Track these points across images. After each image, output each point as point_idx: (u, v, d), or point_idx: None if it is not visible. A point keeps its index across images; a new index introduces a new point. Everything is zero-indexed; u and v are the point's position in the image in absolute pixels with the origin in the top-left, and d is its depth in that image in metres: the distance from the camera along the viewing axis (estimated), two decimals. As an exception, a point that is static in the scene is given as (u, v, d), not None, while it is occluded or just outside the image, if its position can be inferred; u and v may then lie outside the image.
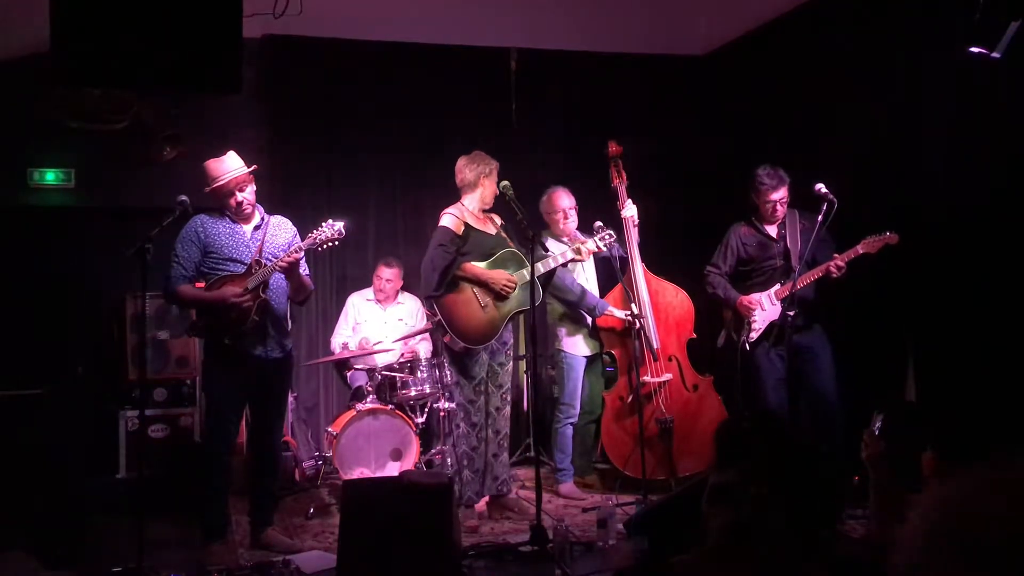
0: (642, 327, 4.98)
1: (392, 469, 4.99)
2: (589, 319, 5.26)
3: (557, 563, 3.85)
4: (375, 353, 5.51)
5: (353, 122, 6.15)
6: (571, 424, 5.30)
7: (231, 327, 4.06)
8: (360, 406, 5.08)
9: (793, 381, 4.69)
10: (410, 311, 5.86)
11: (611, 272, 5.14)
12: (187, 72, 3.43)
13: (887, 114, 4.81)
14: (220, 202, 4.18)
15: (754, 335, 4.80)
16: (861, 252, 4.52)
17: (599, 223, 4.94)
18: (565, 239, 5.16)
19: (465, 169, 4.69)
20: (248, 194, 4.18)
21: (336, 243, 4.19)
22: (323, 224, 4.16)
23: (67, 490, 4.56)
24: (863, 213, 4.74)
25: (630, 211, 5.15)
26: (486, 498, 4.76)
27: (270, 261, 4.13)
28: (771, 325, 4.75)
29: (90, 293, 5.66)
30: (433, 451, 5.25)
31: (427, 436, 5.41)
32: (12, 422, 4.77)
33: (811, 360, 4.73)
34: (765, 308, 4.80)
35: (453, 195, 4.80)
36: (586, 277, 5.31)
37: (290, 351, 4.39)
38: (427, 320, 5.32)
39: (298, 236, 4.34)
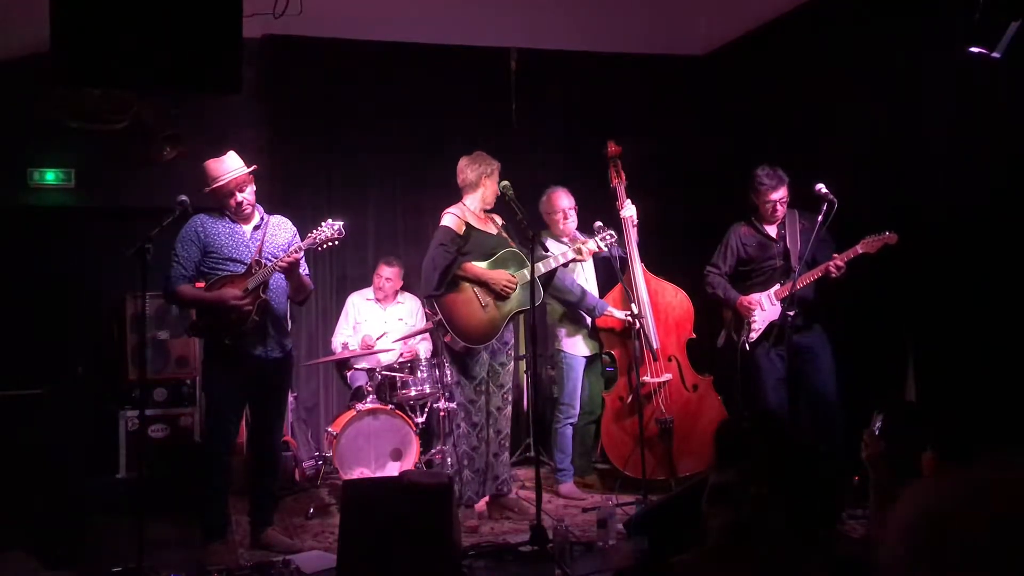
0: (642, 327, 4.98)
1: (392, 469, 4.99)
2: (589, 319, 5.26)
3: (557, 563, 3.85)
4: (377, 352, 5.51)
5: (353, 122, 6.15)
6: (571, 424, 5.30)
7: (231, 327, 4.06)
8: (360, 406, 5.08)
9: (793, 381, 4.69)
10: (410, 311, 5.86)
11: (611, 272, 5.14)
12: (187, 72, 3.43)
13: (887, 114, 4.81)
14: (220, 202, 4.18)
15: (754, 335, 4.80)
16: (860, 252, 4.52)
17: (599, 223, 4.94)
18: (565, 239, 5.16)
19: (467, 169, 4.69)
20: (248, 194, 4.18)
21: (336, 243, 4.19)
22: (323, 224, 4.17)
23: (67, 490, 4.56)
24: (863, 213, 4.74)
25: (629, 211, 5.15)
26: (486, 498, 4.76)
27: (270, 261, 4.13)
28: (771, 325, 4.75)
29: (90, 293, 5.66)
30: (433, 451, 5.25)
31: (427, 436, 5.41)
32: (12, 422, 4.77)
33: (811, 360, 4.73)
34: (765, 308, 4.80)
35: (453, 195, 4.80)
36: (586, 277, 5.31)
37: (290, 351, 4.39)
38: (427, 319, 5.32)
39: (298, 236, 4.34)
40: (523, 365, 5.91)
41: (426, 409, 5.31)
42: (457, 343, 4.57)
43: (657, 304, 5.21)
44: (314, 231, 4.16)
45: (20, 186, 5.66)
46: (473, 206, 4.69)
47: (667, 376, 5.12)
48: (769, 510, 1.58)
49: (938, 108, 4.45)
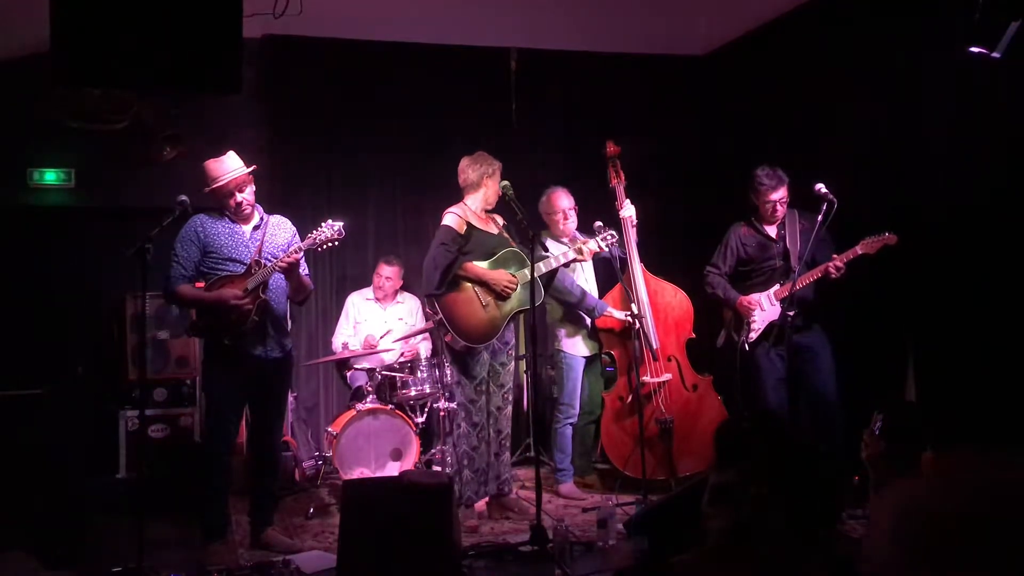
0: (641, 327, 4.98)
1: (392, 469, 4.99)
2: (588, 320, 5.26)
3: (557, 563, 3.85)
4: (378, 352, 5.51)
5: (353, 122, 6.15)
6: (571, 424, 5.30)
7: (231, 327, 4.06)
8: (360, 406, 5.08)
9: (793, 381, 4.69)
10: (410, 310, 5.86)
11: (610, 272, 5.14)
12: (187, 72, 3.43)
13: (887, 114, 4.81)
14: (220, 202, 4.18)
15: (753, 335, 4.80)
16: (860, 253, 4.52)
17: (599, 223, 4.95)
18: (565, 239, 5.16)
19: (468, 169, 4.69)
20: (248, 194, 4.18)
21: (336, 243, 4.19)
22: (323, 224, 4.17)
23: (67, 490, 4.56)
24: (863, 213, 4.74)
25: (628, 211, 5.15)
26: (486, 498, 4.76)
27: (270, 261, 4.13)
28: (771, 325, 4.75)
29: (90, 293, 5.66)
30: (433, 451, 5.25)
31: (427, 436, 5.41)
32: (12, 422, 4.77)
33: (811, 360, 4.73)
34: (764, 308, 4.80)
35: (453, 195, 4.80)
36: (585, 278, 5.31)
37: (290, 351, 4.39)
38: (428, 319, 5.32)
39: (297, 236, 4.34)
40: (523, 365, 5.91)
41: (426, 409, 5.31)
42: (458, 342, 4.57)
43: (657, 304, 5.21)
44: (314, 231, 4.16)
45: (20, 186, 5.66)
46: (474, 206, 4.69)
47: (667, 376, 5.12)
48: (769, 510, 1.59)
49: (938, 108, 4.45)
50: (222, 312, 4.05)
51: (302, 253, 4.15)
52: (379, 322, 5.77)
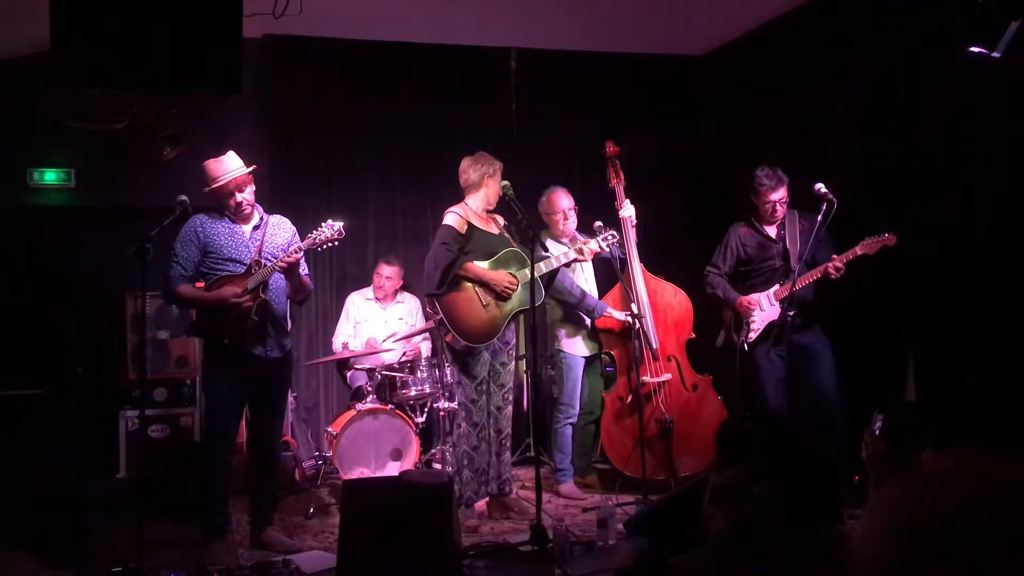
0: (641, 327, 4.99)
1: (392, 469, 4.99)
2: (588, 320, 5.26)
3: (557, 563, 3.85)
4: (379, 352, 5.51)
5: (353, 122, 6.15)
6: (570, 424, 5.30)
7: (231, 327, 4.06)
8: (360, 406, 5.08)
9: (793, 381, 4.69)
10: (410, 310, 5.87)
11: (610, 272, 5.14)
12: (187, 72, 3.43)
13: (887, 114, 4.81)
14: (219, 202, 4.18)
15: (752, 335, 4.80)
16: (859, 253, 4.52)
17: (599, 223, 4.95)
18: (564, 240, 5.17)
19: (469, 169, 4.69)
20: (247, 194, 4.18)
21: (336, 243, 4.19)
22: (323, 224, 4.16)
23: (67, 490, 4.56)
24: (862, 213, 4.74)
25: (628, 211, 5.15)
26: (486, 498, 4.76)
27: (269, 261, 4.13)
28: (771, 325, 4.75)
29: (90, 293, 5.66)
30: (433, 451, 5.25)
31: (427, 436, 5.41)
32: (12, 422, 4.77)
33: (811, 360, 4.73)
34: (764, 308, 4.80)
35: (453, 195, 4.80)
36: (585, 278, 5.31)
37: (289, 351, 4.39)
38: (428, 318, 5.32)
39: (297, 235, 4.34)
40: (523, 365, 5.91)
41: (426, 409, 5.31)
42: (458, 342, 4.57)
43: (656, 304, 5.21)
44: (314, 231, 4.16)
45: (20, 186, 5.66)
46: (476, 206, 4.69)
47: (667, 376, 5.12)
48: (769, 510, 1.59)
49: (938, 108, 4.45)
50: (222, 312, 4.05)
51: (302, 253, 4.15)
52: (379, 322, 5.77)
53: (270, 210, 4.46)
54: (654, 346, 5.11)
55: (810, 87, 5.36)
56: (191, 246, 4.11)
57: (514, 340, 4.87)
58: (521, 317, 4.99)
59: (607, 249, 4.88)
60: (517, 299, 4.62)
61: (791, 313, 4.51)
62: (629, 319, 4.97)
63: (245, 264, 4.13)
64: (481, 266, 4.62)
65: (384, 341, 5.60)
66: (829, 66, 5.20)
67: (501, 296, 4.58)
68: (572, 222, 5.22)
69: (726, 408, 5.16)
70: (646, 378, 5.05)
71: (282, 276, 4.18)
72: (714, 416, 5.09)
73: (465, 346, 4.57)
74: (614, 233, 4.93)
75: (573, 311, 5.23)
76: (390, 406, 5.14)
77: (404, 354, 5.41)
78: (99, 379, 5.60)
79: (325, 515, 4.85)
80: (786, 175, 4.82)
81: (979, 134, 4.22)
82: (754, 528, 1.59)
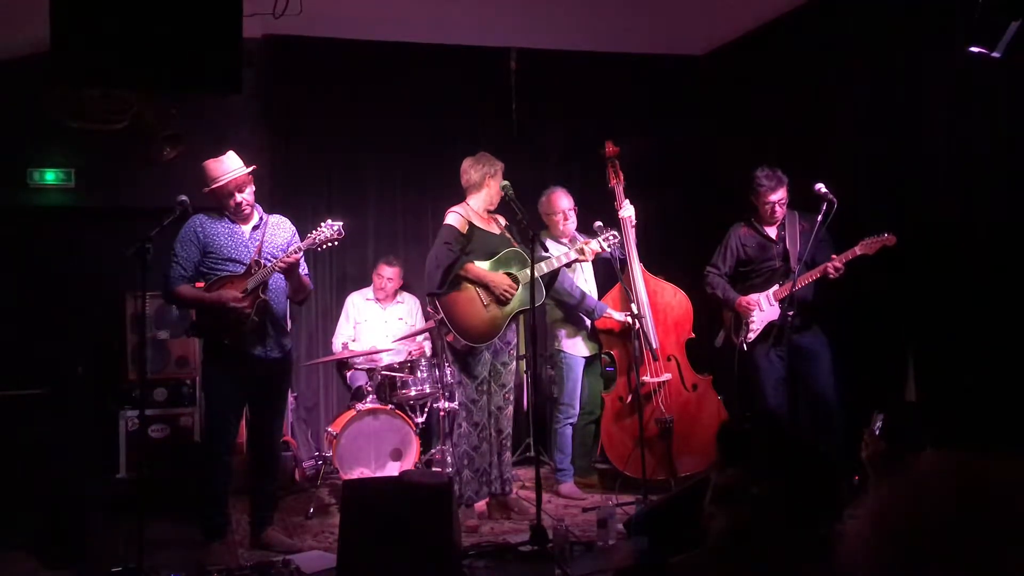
0: (641, 327, 4.99)
1: (392, 469, 4.99)
2: (588, 320, 5.26)
3: (557, 563, 3.85)
4: (380, 352, 5.50)
5: (353, 122, 6.15)
6: (571, 424, 5.30)
7: (230, 327, 4.06)
8: (360, 406, 5.08)
9: (792, 381, 4.69)
10: (410, 310, 5.87)
11: (610, 273, 5.15)
12: (187, 72, 3.43)
13: (887, 114, 4.81)
14: (219, 202, 4.18)
15: (751, 335, 4.80)
16: (859, 253, 4.52)
17: (599, 223, 4.95)
18: (564, 240, 5.17)
19: (471, 170, 4.69)
20: (247, 194, 4.17)
21: (335, 243, 4.19)
22: (322, 224, 4.16)
23: (67, 490, 4.56)
24: (862, 213, 4.74)
25: (627, 211, 5.15)
26: (486, 498, 4.76)
27: (269, 261, 4.13)
28: (770, 325, 4.75)
29: (90, 293, 5.66)
30: (433, 451, 5.25)
31: (427, 436, 5.41)
32: (12, 422, 4.77)
33: (810, 360, 4.73)
34: (763, 308, 4.80)
35: (453, 195, 4.80)
36: (585, 278, 5.31)
37: (289, 351, 4.39)
38: (429, 318, 5.32)
39: (297, 236, 4.34)
40: (523, 365, 5.91)
41: (426, 409, 5.32)
42: (459, 342, 4.57)
43: (656, 304, 5.21)
44: (314, 231, 4.16)
45: (20, 186, 5.66)
46: (477, 206, 4.70)
47: (667, 376, 5.12)
48: (769, 510, 1.59)
49: (938, 108, 4.45)
50: (222, 312, 4.05)
51: (302, 253, 4.15)
52: (379, 322, 5.77)
53: (270, 210, 4.46)
54: (654, 346, 5.11)
55: (810, 87, 5.36)
56: (191, 246, 4.11)
57: (515, 340, 4.87)
58: (521, 317, 4.99)
59: (608, 249, 4.88)
60: (518, 299, 4.63)
61: (791, 313, 4.51)
62: (629, 319, 4.97)
63: (245, 264, 4.13)
64: (482, 267, 4.62)
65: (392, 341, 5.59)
66: (829, 66, 5.20)
67: (500, 298, 4.59)
68: (572, 222, 5.22)
69: (726, 408, 5.16)
70: (646, 378, 5.05)
71: (282, 276, 4.18)
72: (714, 416, 5.09)
73: (466, 346, 4.57)
74: (615, 233, 4.93)
75: (573, 311, 5.23)
76: (390, 406, 5.14)
77: (410, 353, 5.42)
78: (99, 379, 5.59)
79: (325, 515, 4.85)
80: (786, 175, 4.82)
81: (979, 134, 4.22)
82: (754, 528, 1.59)
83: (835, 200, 4.45)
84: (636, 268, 5.15)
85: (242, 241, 4.19)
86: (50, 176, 5.71)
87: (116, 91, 5.40)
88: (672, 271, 5.42)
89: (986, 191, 4.20)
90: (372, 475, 4.95)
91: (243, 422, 4.54)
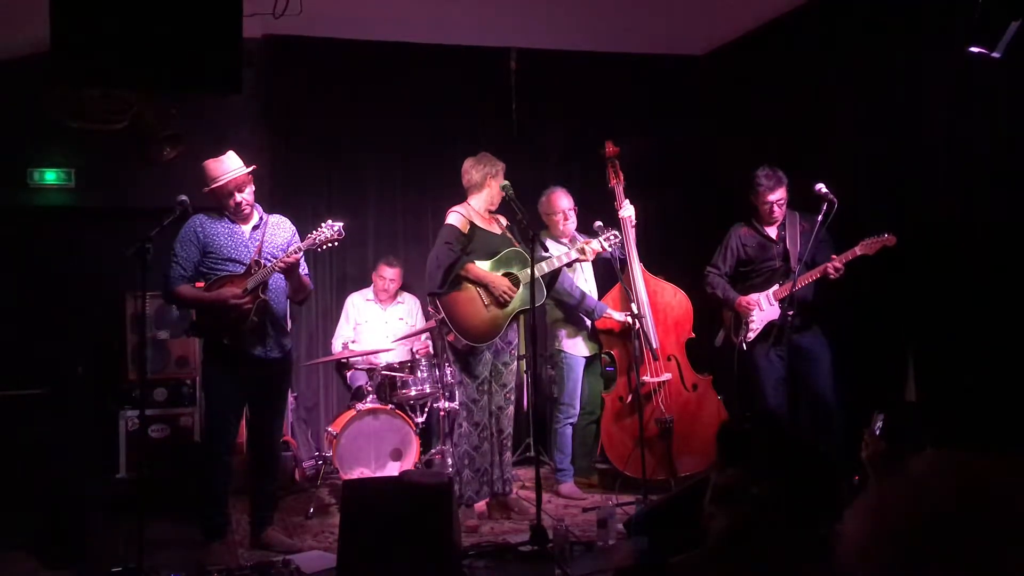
0: (641, 327, 4.99)
1: (392, 469, 4.99)
2: (589, 320, 5.26)
3: (557, 563, 3.85)
4: (381, 352, 5.51)
5: (353, 122, 6.15)
6: (571, 424, 5.30)
7: (230, 327, 4.06)
8: (360, 406, 5.08)
9: (792, 381, 4.69)
10: (410, 310, 5.87)
11: (610, 273, 5.15)
12: (187, 72, 3.43)
13: (887, 114, 4.81)
14: (219, 202, 4.18)
15: (751, 335, 4.80)
16: (859, 253, 4.52)
17: (599, 223, 4.95)
18: (564, 240, 5.17)
19: (472, 170, 4.70)
20: (247, 194, 4.17)
21: (336, 243, 4.19)
22: (322, 224, 4.16)
23: (67, 490, 4.56)
24: (862, 213, 4.74)
25: (627, 211, 5.15)
26: (486, 498, 4.76)
27: (269, 261, 4.13)
28: (770, 325, 4.75)
29: (90, 293, 5.66)
30: (433, 451, 5.25)
31: (427, 436, 5.41)
32: (12, 422, 4.77)
33: (810, 360, 4.73)
34: (763, 308, 4.80)
35: (454, 195, 4.80)
36: (585, 278, 5.31)
37: (289, 351, 4.39)
38: (430, 318, 5.32)
39: (297, 236, 4.34)
40: (523, 365, 5.91)
41: (426, 409, 5.31)
42: (460, 341, 4.57)
43: (656, 304, 5.21)
44: (314, 231, 4.16)
45: (20, 186, 5.66)
46: (478, 206, 4.70)
47: (667, 376, 5.12)
48: (769, 510, 1.59)
49: (938, 108, 4.45)
50: (222, 312, 4.05)
51: (302, 253, 4.15)
52: (379, 322, 5.77)
53: (270, 210, 4.46)
54: (654, 346, 5.11)
55: (810, 87, 5.36)
56: (191, 246, 4.11)
57: (516, 340, 4.88)
58: (521, 317, 4.99)
59: (608, 249, 4.88)
60: (519, 299, 4.63)
61: (790, 313, 4.51)
62: (629, 319, 4.97)
63: (245, 264, 4.13)
64: (483, 267, 4.62)
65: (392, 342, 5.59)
66: (829, 66, 5.20)
67: (500, 300, 4.59)
68: (572, 222, 5.22)
69: (726, 408, 5.16)
70: (646, 378, 5.06)
71: (282, 276, 4.18)
72: (714, 416, 5.09)
73: (467, 345, 4.57)
74: (616, 233, 4.93)
75: (573, 311, 5.23)
76: (390, 406, 5.14)
77: (416, 351, 5.42)
78: (99, 379, 5.59)
79: (325, 515, 4.85)
80: (786, 175, 4.82)
81: (979, 134, 4.22)
82: (754, 528, 1.59)
83: (835, 200, 4.45)
84: (636, 268, 5.15)
85: (242, 241, 4.19)
86: (50, 176, 5.71)
87: (116, 91, 5.40)
88: (672, 271, 5.42)
89: (986, 191, 4.20)
90: (372, 475, 4.95)
91: (243, 422, 4.54)
